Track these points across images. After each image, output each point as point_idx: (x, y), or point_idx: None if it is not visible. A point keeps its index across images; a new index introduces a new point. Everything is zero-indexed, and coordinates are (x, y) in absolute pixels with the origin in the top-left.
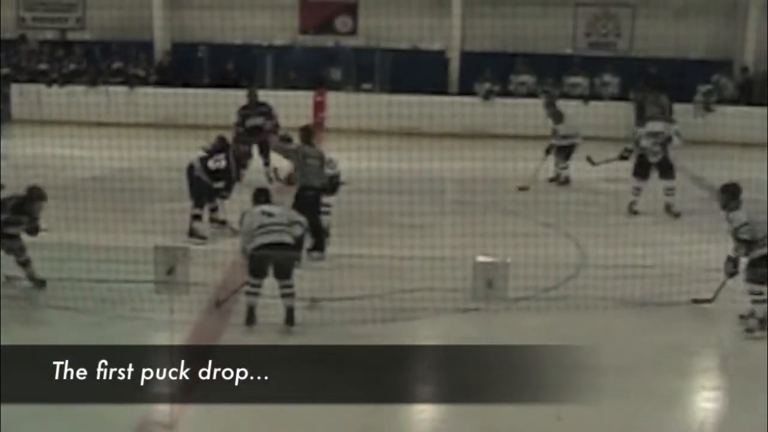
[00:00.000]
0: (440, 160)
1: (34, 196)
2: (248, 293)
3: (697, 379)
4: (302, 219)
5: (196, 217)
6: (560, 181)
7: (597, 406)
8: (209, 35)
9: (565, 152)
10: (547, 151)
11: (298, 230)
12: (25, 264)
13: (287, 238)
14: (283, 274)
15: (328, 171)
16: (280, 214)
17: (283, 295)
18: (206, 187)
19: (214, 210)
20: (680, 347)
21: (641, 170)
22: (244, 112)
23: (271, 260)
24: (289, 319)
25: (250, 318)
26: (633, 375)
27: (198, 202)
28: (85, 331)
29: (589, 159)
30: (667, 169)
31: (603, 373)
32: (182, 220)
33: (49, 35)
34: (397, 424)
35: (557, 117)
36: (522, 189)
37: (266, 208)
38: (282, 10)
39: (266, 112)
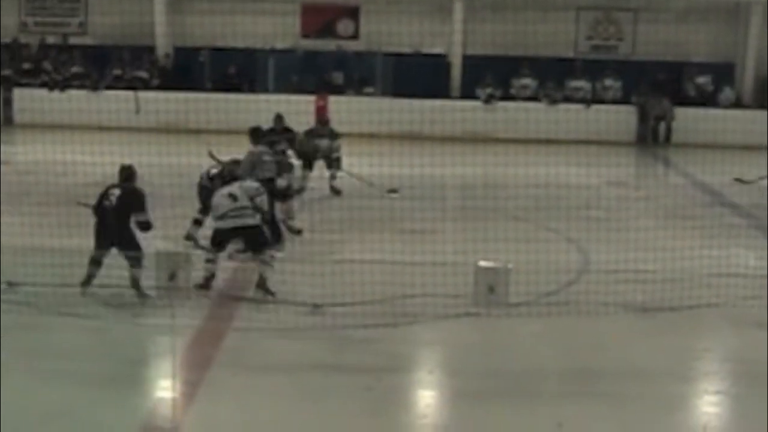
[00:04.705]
0: (442, 165)
1: None
2: (207, 260)
3: (700, 384)
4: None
5: (197, 222)
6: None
7: (598, 412)
8: (211, 39)
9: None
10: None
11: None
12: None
13: (250, 221)
14: (256, 247)
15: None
16: (242, 196)
17: (261, 261)
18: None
19: None
20: (682, 352)
21: None
22: (272, 137)
23: (238, 240)
24: (260, 284)
25: (206, 284)
26: (635, 380)
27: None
28: (86, 337)
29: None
30: None
31: (604, 378)
32: (184, 227)
33: (51, 40)
34: (398, 430)
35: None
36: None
37: (231, 189)
38: (283, 15)
39: (292, 138)
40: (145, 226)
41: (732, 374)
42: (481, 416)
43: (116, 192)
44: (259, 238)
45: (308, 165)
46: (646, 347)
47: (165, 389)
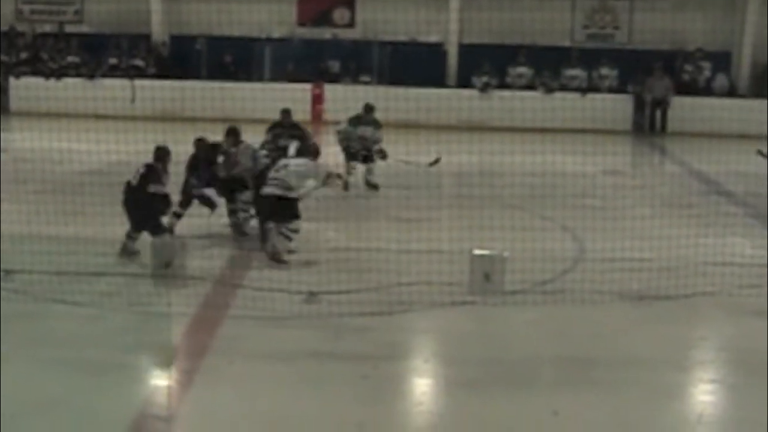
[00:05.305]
0: (437, 153)
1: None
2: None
3: (695, 372)
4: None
5: (176, 215)
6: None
7: (593, 400)
8: (207, 28)
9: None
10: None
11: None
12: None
13: (277, 191)
14: (281, 216)
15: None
16: (285, 167)
17: (280, 232)
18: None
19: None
20: (678, 340)
21: None
22: (277, 131)
23: (269, 210)
24: (273, 256)
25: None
26: (630, 368)
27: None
28: (82, 324)
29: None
30: None
31: (600, 367)
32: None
33: (48, 28)
34: (394, 418)
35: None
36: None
37: (287, 161)
38: (279, 3)
39: (299, 135)
40: (160, 199)
41: (728, 363)
42: (477, 404)
43: (141, 170)
44: (285, 209)
45: (352, 156)
46: (642, 336)
47: (161, 377)
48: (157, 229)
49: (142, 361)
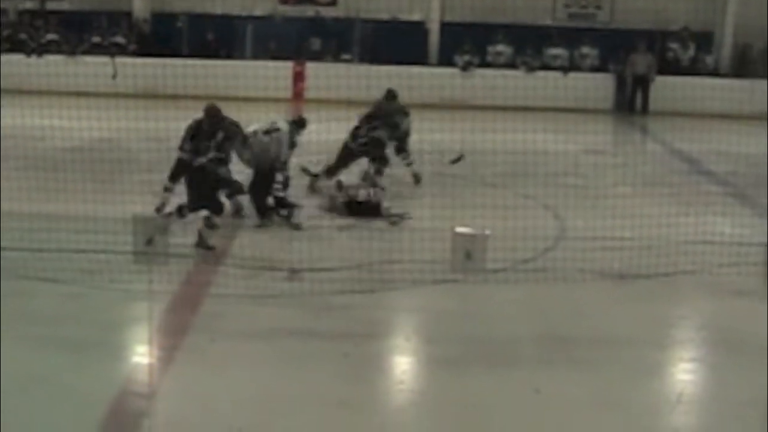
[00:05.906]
0: (419, 132)
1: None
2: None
3: (675, 351)
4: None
5: (166, 190)
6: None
7: (574, 378)
8: (189, 5)
9: None
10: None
11: None
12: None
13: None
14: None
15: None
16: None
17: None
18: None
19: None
20: (658, 319)
21: None
22: (375, 123)
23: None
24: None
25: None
26: (611, 347)
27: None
28: (63, 302)
29: None
30: None
31: (581, 345)
32: (161, 191)
33: (29, 5)
34: (375, 396)
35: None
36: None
37: None
38: None
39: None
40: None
41: (708, 342)
42: (458, 382)
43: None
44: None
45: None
46: (623, 314)
47: (142, 355)
48: (216, 206)
49: (123, 338)
